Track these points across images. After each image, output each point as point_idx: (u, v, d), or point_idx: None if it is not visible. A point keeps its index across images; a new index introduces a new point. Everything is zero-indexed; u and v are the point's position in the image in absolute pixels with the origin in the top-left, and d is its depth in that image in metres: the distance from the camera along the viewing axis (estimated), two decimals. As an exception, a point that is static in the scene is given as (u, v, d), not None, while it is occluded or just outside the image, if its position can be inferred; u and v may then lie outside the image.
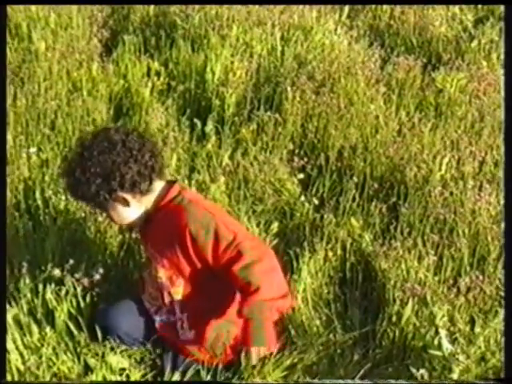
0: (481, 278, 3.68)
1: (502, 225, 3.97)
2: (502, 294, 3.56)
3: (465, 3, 6.68)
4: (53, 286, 3.41)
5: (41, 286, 3.44)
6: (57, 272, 3.44)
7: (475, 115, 4.99)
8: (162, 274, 3.19)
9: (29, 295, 3.43)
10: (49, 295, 3.38)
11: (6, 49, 5.21)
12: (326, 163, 4.57)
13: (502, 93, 5.09)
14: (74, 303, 3.39)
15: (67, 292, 3.39)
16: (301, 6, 6.23)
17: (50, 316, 3.38)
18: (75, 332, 3.34)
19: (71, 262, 3.47)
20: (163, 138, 4.71)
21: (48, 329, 3.30)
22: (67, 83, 5.15)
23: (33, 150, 4.50)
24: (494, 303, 3.59)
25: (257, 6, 6.13)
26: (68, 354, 3.28)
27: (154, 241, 3.21)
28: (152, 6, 6.25)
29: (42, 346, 3.28)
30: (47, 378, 3.22)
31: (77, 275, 3.44)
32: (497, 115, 4.96)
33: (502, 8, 6.52)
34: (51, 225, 4.01)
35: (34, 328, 3.32)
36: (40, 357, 3.26)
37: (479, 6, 6.72)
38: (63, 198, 4.13)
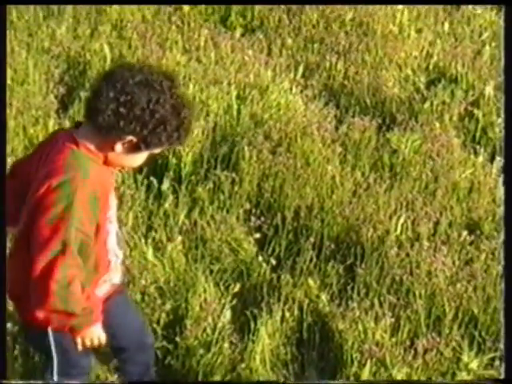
0: (437, 339, 3.71)
1: (458, 285, 4.03)
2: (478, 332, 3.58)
3: (462, 3, 6.85)
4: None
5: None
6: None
7: (429, 176, 5.05)
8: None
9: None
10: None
11: (6, 49, 5.14)
12: (282, 223, 4.59)
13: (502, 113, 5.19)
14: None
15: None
16: (256, 65, 6.28)
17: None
18: None
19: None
20: (119, 195, 4.68)
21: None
22: (23, 139, 5.12)
23: (-13, 206, 4.45)
24: (451, 365, 3.62)
25: (212, 65, 6.17)
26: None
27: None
28: (108, 62, 6.24)
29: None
30: None
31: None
32: (450, 176, 5.02)
33: (453, 70, 6.64)
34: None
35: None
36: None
37: (430, 68, 6.80)
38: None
